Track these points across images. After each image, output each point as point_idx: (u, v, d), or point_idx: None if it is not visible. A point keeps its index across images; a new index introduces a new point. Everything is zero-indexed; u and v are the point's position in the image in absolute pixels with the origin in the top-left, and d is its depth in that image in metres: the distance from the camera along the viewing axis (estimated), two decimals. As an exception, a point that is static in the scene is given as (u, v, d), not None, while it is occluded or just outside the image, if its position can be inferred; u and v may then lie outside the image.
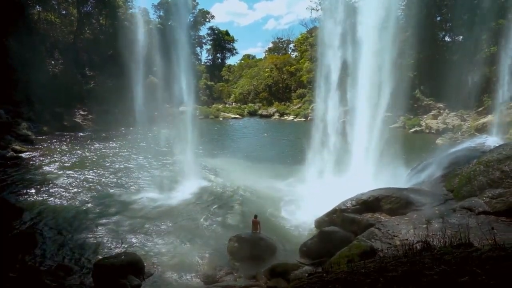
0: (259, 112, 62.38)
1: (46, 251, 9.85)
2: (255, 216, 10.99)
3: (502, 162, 8.88)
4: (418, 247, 4.28)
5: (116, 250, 9.83)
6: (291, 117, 56.84)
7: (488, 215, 7.95)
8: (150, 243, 10.51)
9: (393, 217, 9.53)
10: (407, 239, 7.04)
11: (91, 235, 11.01)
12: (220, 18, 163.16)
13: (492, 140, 15.11)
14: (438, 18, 46.69)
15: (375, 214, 10.05)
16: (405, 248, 4.14)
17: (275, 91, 70.17)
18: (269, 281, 7.88)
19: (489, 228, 7.06)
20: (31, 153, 22.59)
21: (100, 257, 9.13)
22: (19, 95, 31.29)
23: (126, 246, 10.27)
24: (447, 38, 48.24)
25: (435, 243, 4.29)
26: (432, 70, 41.56)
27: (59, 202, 13.96)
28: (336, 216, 10.69)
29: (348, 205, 10.73)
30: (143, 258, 8.86)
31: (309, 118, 53.89)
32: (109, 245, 10.38)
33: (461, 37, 45.12)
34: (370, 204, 10.38)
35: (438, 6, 44.66)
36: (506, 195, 8.06)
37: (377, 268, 3.28)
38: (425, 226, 7.67)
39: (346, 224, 10.21)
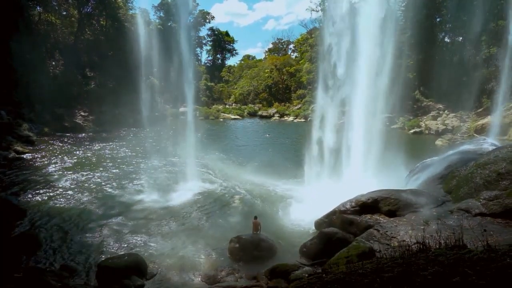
0: (259, 113, 62.51)
1: (50, 252, 9.98)
2: (255, 217, 11.15)
3: (499, 164, 9.03)
4: (415, 249, 4.43)
5: (119, 251, 9.96)
6: (291, 118, 56.95)
7: (485, 217, 8.09)
8: (152, 244, 10.65)
9: (391, 219, 9.67)
10: (405, 240, 7.18)
11: (93, 236, 11.15)
12: (220, 18, 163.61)
13: (490, 142, 15.27)
14: (438, 19, 46.83)
15: (374, 216, 10.18)
16: (402, 249, 4.29)
17: (275, 91, 70.32)
18: (270, 281, 8.01)
19: (485, 230, 7.21)
20: (32, 154, 22.72)
21: (103, 257, 9.26)
22: (19, 96, 31.40)
23: (128, 247, 10.40)
24: (446, 39, 48.40)
25: (431, 245, 4.42)
26: (431, 71, 41.66)
27: (61, 203, 14.09)
28: (336, 218, 10.83)
29: (347, 207, 10.86)
30: (146, 259, 9.00)
31: (309, 119, 54.05)
32: (112, 246, 10.51)
33: (461, 38, 45.28)
34: (369, 205, 10.51)
35: (437, 7, 44.80)
36: (502, 197, 8.20)
37: (374, 269, 3.42)
38: (422, 227, 7.81)
39: (345, 225, 10.35)
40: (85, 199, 14.77)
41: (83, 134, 32.87)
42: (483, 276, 2.61)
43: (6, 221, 11.26)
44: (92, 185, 16.79)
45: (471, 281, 2.58)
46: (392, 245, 7.35)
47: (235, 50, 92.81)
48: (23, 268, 8.33)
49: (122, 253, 9.44)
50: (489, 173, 9.08)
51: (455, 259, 3.17)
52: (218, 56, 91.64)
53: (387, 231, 8.53)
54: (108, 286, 7.59)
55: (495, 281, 2.51)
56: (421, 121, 40.40)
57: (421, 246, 4.22)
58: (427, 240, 4.67)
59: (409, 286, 2.77)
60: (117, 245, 10.57)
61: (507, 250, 3.31)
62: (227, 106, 68.16)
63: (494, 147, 12.19)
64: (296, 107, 60.81)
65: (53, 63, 40.28)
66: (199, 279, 8.62)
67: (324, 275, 3.70)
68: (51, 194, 15.11)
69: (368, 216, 10.27)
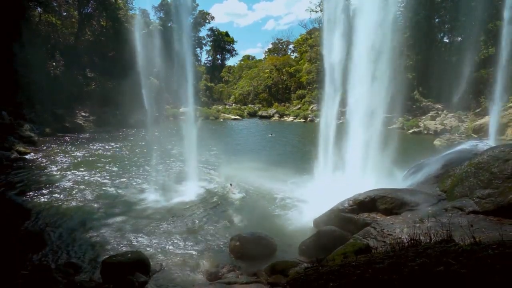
0: (259, 113, 62.79)
1: (55, 249, 10.21)
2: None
3: (492, 163, 9.26)
4: (407, 244, 4.67)
5: (122, 249, 10.18)
6: (290, 118, 57.23)
7: (478, 214, 8.34)
8: (154, 242, 10.88)
9: (388, 217, 9.91)
10: (400, 237, 7.40)
11: (96, 234, 11.38)
12: (220, 18, 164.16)
13: (485, 142, 15.52)
14: (437, 20, 47.14)
15: (371, 214, 10.42)
16: (396, 245, 4.52)
17: (275, 92, 70.64)
18: (270, 277, 8.23)
19: (478, 227, 7.46)
20: (34, 154, 22.95)
21: (107, 255, 9.48)
22: (20, 97, 31.63)
23: (131, 245, 10.63)
24: (445, 40, 48.74)
25: (422, 240, 4.65)
26: (430, 71, 42.00)
27: (64, 202, 14.33)
28: (334, 216, 11.06)
29: (345, 205, 11.10)
30: (148, 256, 9.22)
31: (308, 119, 54.38)
32: (115, 244, 10.73)
33: (459, 38, 45.59)
34: (367, 204, 10.75)
35: (436, 8, 45.10)
36: (494, 195, 8.45)
37: (366, 261, 3.66)
38: (417, 225, 8.05)
39: (343, 223, 10.58)
40: (87, 198, 15.01)
41: (84, 135, 33.10)
42: (465, 265, 2.85)
43: (12, 220, 11.48)
44: (94, 184, 17.02)
45: (454, 270, 2.82)
46: (388, 242, 7.57)
47: (235, 51, 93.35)
48: (29, 265, 8.55)
49: (125, 250, 9.65)
50: (483, 172, 9.31)
51: (441, 251, 3.40)
52: (218, 56, 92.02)
53: (383, 229, 8.76)
54: (112, 282, 7.81)
55: (475, 269, 2.75)
56: (420, 121, 40.69)
57: (412, 241, 4.45)
58: (421, 236, 4.91)
59: (398, 275, 3.00)
60: (119, 243, 10.80)
61: (491, 243, 3.54)
62: (227, 107, 68.41)
63: (488, 147, 12.41)
64: (295, 107, 61.13)
65: (54, 63, 40.50)
66: (201, 275, 8.85)
67: (320, 267, 3.93)
68: (54, 193, 15.35)
69: (366, 214, 10.50)
